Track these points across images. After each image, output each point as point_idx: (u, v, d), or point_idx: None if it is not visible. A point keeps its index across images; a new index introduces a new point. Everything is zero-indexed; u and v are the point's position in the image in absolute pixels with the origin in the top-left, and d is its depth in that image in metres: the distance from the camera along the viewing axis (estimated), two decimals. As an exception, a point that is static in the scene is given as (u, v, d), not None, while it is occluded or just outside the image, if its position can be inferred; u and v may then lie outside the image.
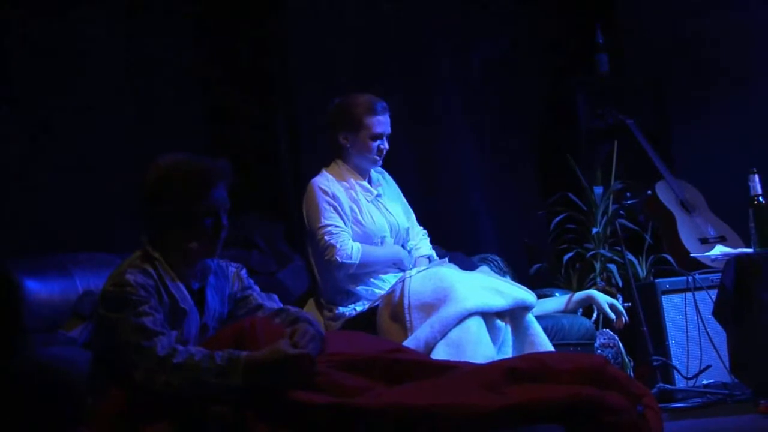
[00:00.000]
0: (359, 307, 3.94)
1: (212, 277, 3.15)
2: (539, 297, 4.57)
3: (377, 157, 4.07)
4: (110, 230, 4.29)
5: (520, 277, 4.83)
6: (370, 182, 4.14)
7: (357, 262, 3.92)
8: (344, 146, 4.07)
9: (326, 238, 3.93)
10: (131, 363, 2.86)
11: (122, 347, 2.88)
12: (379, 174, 4.21)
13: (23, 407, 3.28)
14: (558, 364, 2.83)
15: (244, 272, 3.25)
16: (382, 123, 4.04)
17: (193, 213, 3.01)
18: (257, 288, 3.26)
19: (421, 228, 4.28)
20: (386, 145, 4.06)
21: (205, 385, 2.82)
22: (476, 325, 3.63)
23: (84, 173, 4.35)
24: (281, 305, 3.23)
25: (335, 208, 3.97)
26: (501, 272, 4.55)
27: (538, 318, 4.06)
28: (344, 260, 3.90)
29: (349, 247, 3.92)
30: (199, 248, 3.04)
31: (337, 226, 3.95)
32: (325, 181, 4.04)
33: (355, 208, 4.02)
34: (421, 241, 4.23)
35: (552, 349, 3.76)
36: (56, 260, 3.64)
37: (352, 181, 4.07)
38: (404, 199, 4.27)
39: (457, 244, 4.80)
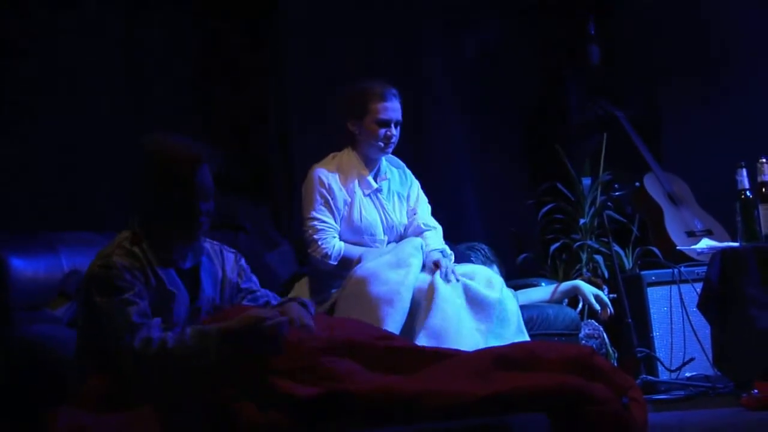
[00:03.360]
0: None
1: (205, 258, 3.14)
2: (526, 286, 4.59)
3: (382, 144, 3.98)
4: (97, 210, 4.28)
5: (507, 266, 4.83)
6: (377, 174, 4.09)
7: (335, 263, 3.92)
8: (353, 134, 4.02)
9: (310, 232, 3.94)
10: (114, 349, 2.87)
11: (105, 333, 2.89)
12: (395, 168, 4.15)
13: (6, 386, 3.27)
14: (545, 353, 2.84)
15: (243, 261, 3.25)
16: (388, 109, 3.97)
17: (173, 200, 3.00)
18: (255, 278, 3.27)
19: (435, 222, 4.18)
20: (394, 132, 3.98)
21: (183, 369, 2.83)
22: (453, 311, 3.63)
23: (72, 152, 4.33)
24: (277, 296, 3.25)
25: (327, 201, 3.95)
26: (488, 261, 4.55)
27: (523, 307, 4.07)
28: (323, 258, 3.91)
29: (330, 246, 3.91)
30: (179, 234, 3.04)
31: (324, 221, 3.93)
32: (326, 171, 3.99)
33: (348, 198, 3.99)
34: (429, 236, 4.10)
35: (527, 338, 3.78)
36: (43, 239, 3.63)
37: (355, 172, 4.03)
38: (417, 196, 4.18)
39: (444, 233, 4.79)
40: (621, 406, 2.74)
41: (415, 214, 4.13)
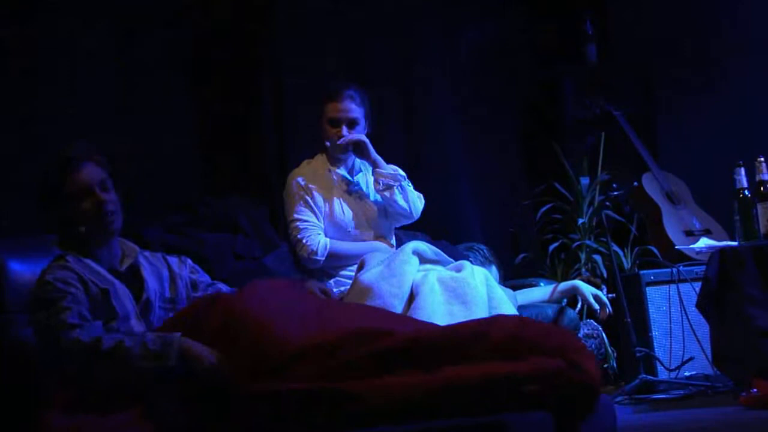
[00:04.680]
0: (343, 288, 3.95)
1: (142, 259, 3.21)
2: (524, 286, 4.59)
3: (329, 144, 4.03)
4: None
5: (506, 266, 4.83)
6: (352, 172, 4.13)
7: (322, 258, 3.95)
8: (320, 134, 4.07)
9: (294, 233, 3.99)
10: (65, 361, 2.92)
11: (52, 347, 2.95)
12: (364, 163, 4.18)
13: (2, 387, 3.27)
14: (473, 343, 2.76)
15: (190, 261, 3.35)
16: (338, 109, 4.01)
17: (66, 200, 3.08)
18: (206, 275, 3.37)
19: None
20: (344, 134, 4.01)
21: (141, 369, 2.87)
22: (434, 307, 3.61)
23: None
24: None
25: (307, 202, 4.00)
26: (486, 261, 4.55)
27: (522, 307, 4.07)
28: (309, 256, 3.94)
29: (315, 243, 3.95)
30: (91, 229, 3.09)
31: (305, 221, 3.98)
32: (302, 174, 4.05)
33: (327, 195, 4.02)
34: None
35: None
36: (40, 241, 3.62)
37: (330, 171, 4.07)
38: None
39: (442, 233, 4.79)
40: (574, 372, 2.68)
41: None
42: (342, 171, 4.11)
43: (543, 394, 2.65)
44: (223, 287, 3.34)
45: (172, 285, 3.23)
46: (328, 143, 4.03)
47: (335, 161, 4.10)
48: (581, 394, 2.68)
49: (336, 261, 3.99)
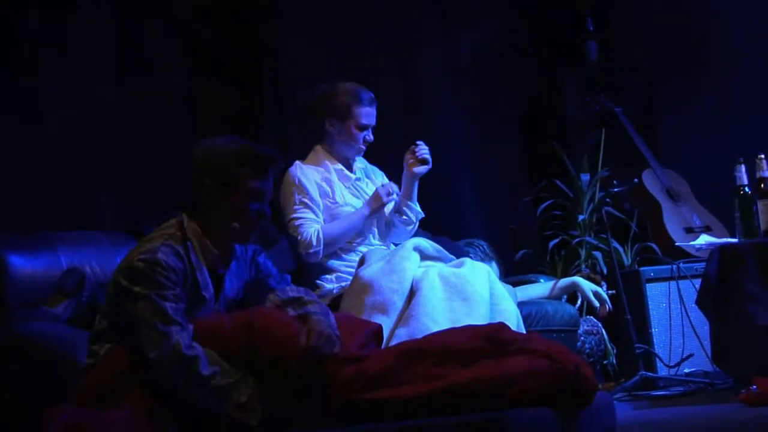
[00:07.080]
0: (344, 283, 3.96)
1: (234, 263, 3.12)
2: (524, 283, 4.60)
3: (362, 147, 4.10)
4: (96, 209, 4.28)
5: (506, 262, 4.83)
6: (350, 168, 4.15)
7: (320, 247, 3.95)
8: (330, 132, 4.09)
9: (293, 231, 3.99)
10: (145, 341, 2.83)
11: (139, 323, 2.84)
12: (360, 164, 4.21)
13: (4, 383, 3.27)
14: (457, 346, 2.84)
15: (260, 257, 3.22)
16: (369, 114, 4.07)
17: (246, 194, 3.00)
18: (275, 271, 3.24)
19: None
20: (371, 137, 4.10)
21: (220, 410, 2.82)
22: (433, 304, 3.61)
23: (70, 150, 4.33)
24: (296, 291, 3.18)
25: (304, 200, 4.00)
26: (486, 257, 4.55)
27: (522, 304, 4.07)
28: (307, 250, 3.95)
29: (309, 235, 3.95)
30: (238, 230, 3.03)
31: (303, 218, 3.99)
32: (299, 171, 4.05)
33: (328, 189, 4.04)
34: None
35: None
36: (41, 236, 3.63)
37: (329, 165, 4.09)
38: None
39: (443, 229, 4.80)
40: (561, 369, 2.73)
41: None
42: (341, 167, 4.13)
43: (534, 393, 2.68)
44: (279, 296, 3.15)
45: (240, 291, 3.14)
46: (362, 146, 4.09)
47: (344, 160, 4.14)
48: (573, 389, 2.71)
49: (334, 245, 3.99)
